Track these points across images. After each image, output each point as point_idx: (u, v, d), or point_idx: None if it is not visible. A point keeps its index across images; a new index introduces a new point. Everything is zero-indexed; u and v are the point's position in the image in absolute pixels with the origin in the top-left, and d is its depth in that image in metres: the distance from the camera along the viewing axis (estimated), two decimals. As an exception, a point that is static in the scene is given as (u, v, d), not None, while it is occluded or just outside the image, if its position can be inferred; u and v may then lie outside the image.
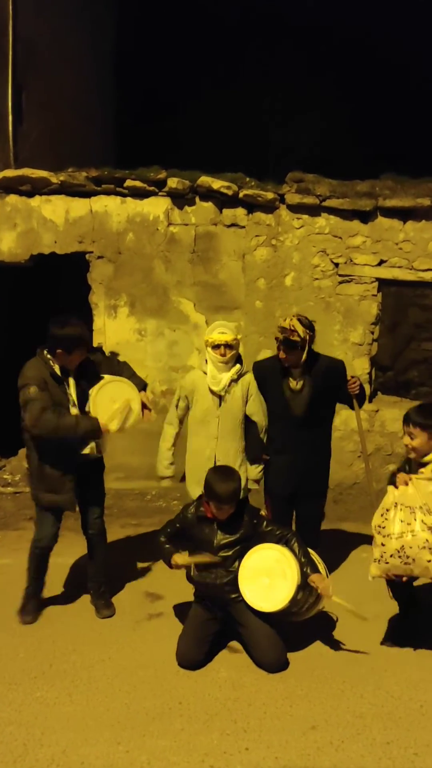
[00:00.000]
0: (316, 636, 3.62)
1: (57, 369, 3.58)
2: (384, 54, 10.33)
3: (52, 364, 3.57)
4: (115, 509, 5.90)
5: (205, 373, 3.90)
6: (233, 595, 3.39)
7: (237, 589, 3.36)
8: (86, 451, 3.68)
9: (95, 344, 6.19)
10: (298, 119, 10.59)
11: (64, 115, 8.97)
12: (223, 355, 3.81)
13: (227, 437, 3.91)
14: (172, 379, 6.18)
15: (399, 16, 10.60)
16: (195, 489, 3.94)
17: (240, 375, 3.90)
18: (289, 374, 3.89)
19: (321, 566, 3.50)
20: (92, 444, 3.69)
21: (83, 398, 3.68)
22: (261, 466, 4.04)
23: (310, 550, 3.57)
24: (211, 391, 3.87)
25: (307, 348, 3.77)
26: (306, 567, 3.31)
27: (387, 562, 3.23)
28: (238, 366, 3.91)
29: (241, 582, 3.35)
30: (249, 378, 3.95)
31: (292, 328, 3.70)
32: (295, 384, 3.88)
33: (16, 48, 7.76)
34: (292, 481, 3.98)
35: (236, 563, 3.41)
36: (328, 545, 4.50)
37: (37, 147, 8.05)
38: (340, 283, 6.07)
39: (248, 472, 4.02)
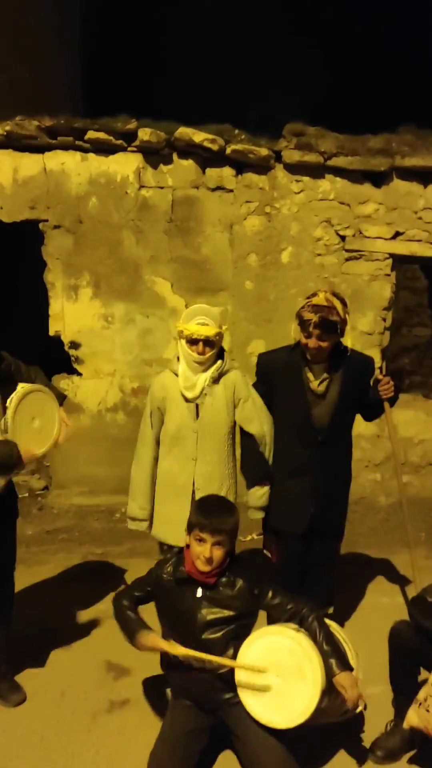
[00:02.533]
0: (341, 744, 2.64)
1: None
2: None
3: None
4: (76, 532, 4.90)
5: (176, 374, 2.91)
6: (227, 695, 2.39)
7: (233, 688, 2.36)
8: None
9: (51, 332, 5.14)
10: (281, 81, 9.33)
11: (25, 72, 7.91)
12: (201, 353, 2.82)
13: (208, 458, 2.90)
14: (145, 374, 5.14)
15: None
16: (164, 530, 2.96)
17: (221, 374, 2.90)
18: (308, 372, 2.90)
19: (349, 651, 2.51)
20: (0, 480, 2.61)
21: None
22: (265, 489, 3.03)
23: (329, 622, 2.58)
24: (185, 398, 2.88)
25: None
26: (331, 659, 2.31)
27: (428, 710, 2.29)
28: (218, 363, 2.90)
29: (240, 683, 2.35)
30: (234, 377, 2.93)
31: (330, 303, 2.72)
32: (316, 385, 2.89)
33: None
34: (308, 515, 2.98)
35: (231, 650, 2.40)
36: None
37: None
38: (347, 260, 5.07)
39: (249, 496, 3.04)
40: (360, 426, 4.18)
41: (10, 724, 2.72)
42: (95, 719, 2.77)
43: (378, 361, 5.18)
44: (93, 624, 3.51)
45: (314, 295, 2.79)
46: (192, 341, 2.81)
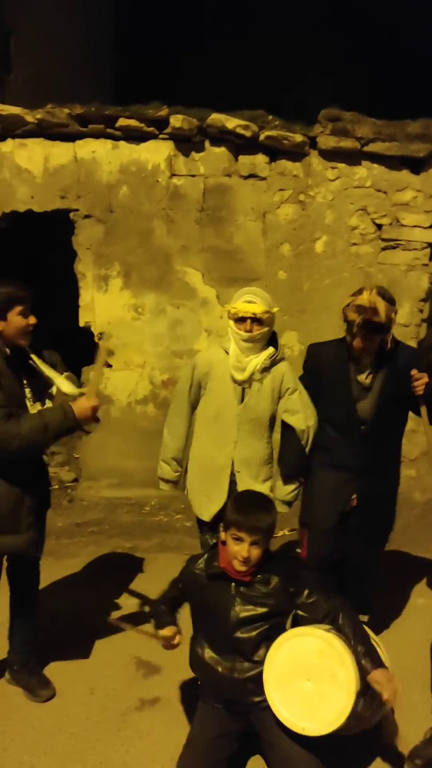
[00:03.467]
0: (377, 752, 2.55)
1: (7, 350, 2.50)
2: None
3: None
4: (106, 525, 4.86)
5: (227, 353, 2.86)
6: (257, 699, 2.31)
7: (263, 691, 2.28)
8: None
9: (81, 323, 5.09)
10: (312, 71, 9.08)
11: (58, 62, 7.90)
12: (249, 331, 2.77)
13: (249, 442, 2.89)
14: (175, 366, 5.07)
15: None
16: (202, 506, 2.98)
17: (273, 362, 2.85)
18: (356, 365, 2.81)
19: (381, 651, 2.41)
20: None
21: (39, 389, 2.62)
22: (295, 485, 2.98)
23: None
24: (233, 379, 2.84)
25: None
26: (364, 659, 2.20)
27: None
28: (271, 349, 2.86)
29: (268, 686, 2.26)
30: (284, 368, 2.90)
31: (374, 305, 2.62)
32: (364, 377, 2.80)
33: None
34: (338, 511, 2.90)
35: (262, 649, 2.32)
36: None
37: (23, 95, 6.98)
38: (384, 249, 4.92)
39: (277, 490, 2.99)
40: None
41: (40, 721, 2.68)
42: (125, 718, 2.72)
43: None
44: (122, 618, 3.45)
45: (359, 293, 2.70)
46: (239, 319, 2.78)
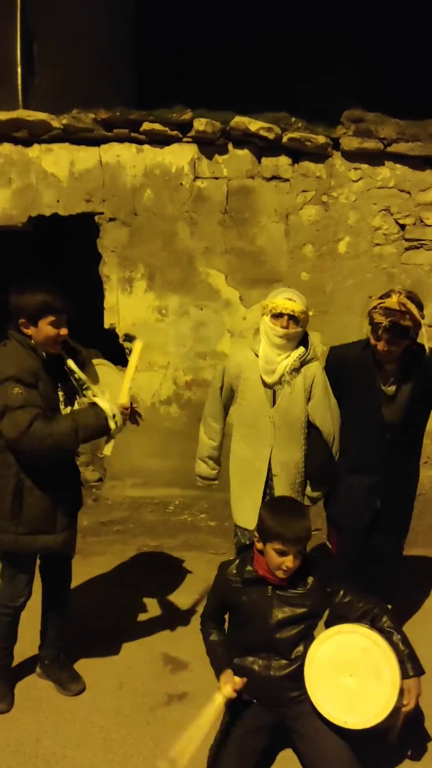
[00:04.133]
0: (408, 745, 2.57)
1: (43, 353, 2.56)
2: None
3: (33, 345, 2.54)
4: (131, 524, 4.91)
5: (257, 355, 2.86)
6: (294, 693, 2.34)
7: (301, 686, 2.31)
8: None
9: (106, 325, 5.15)
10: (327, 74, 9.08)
11: (81, 66, 7.99)
12: (285, 327, 2.76)
13: (286, 445, 2.88)
14: (198, 367, 5.12)
15: None
16: (242, 515, 2.97)
17: (303, 362, 2.84)
18: (380, 371, 2.81)
19: None
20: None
21: (72, 393, 2.67)
22: (323, 490, 3.01)
23: None
24: (263, 382, 2.84)
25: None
26: (408, 661, 2.23)
27: None
28: (302, 349, 2.85)
29: (310, 681, 2.29)
30: (315, 368, 2.88)
31: (404, 308, 2.58)
32: (387, 387, 2.80)
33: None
34: (371, 511, 2.92)
35: (300, 647, 2.35)
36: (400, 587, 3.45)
37: (47, 99, 7.08)
38: (407, 249, 4.93)
39: (306, 490, 3.01)
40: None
41: (71, 714, 2.74)
42: (153, 712, 2.76)
43: (438, 354, 5.03)
44: (149, 616, 3.51)
45: (387, 296, 2.65)
46: (277, 315, 2.77)
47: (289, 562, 2.29)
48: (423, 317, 2.68)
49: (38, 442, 2.43)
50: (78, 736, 2.62)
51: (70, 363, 2.63)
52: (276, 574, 2.33)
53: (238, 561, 2.48)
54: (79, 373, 2.63)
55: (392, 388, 2.79)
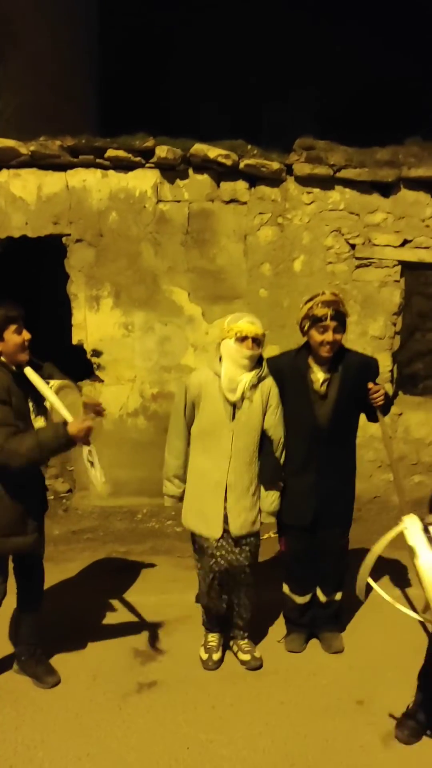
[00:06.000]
0: (354, 720, 2.82)
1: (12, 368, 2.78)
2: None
3: (3, 361, 2.76)
4: (100, 532, 5.11)
5: (217, 374, 3.07)
6: None
7: None
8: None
9: (75, 341, 5.37)
10: (294, 90, 9.55)
11: (45, 91, 8.22)
12: (250, 349, 2.99)
13: (242, 458, 3.08)
14: (164, 380, 5.36)
15: None
16: (199, 523, 3.13)
17: (260, 378, 3.09)
18: (311, 373, 3.11)
19: None
20: None
21: (40, 402, 2.90)
22: (276, 494, 3.22)
23: None
24: (225, 400, 3.05)
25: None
26: None
27: None
28: (258, 368, 3.09)
29: None
30: (270, 382, 3.12)
31: (338, 297, 2.98)
32: (319, 385, 3.09)
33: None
34: (312, 508, 3.18)
35: None
36: (350, 578, 3.69)
37: (13, 125, 7.28)
38: (358, 267, 5.25)
39: (262, 503, 3.19)
40: (373, 427, 4.36)
41: (47, 704, 2.93)
42: (125, 699, 2.97)
43: (389, 365, 5.37)
44: (119, 614, 3.71)
45: (317, 295, 3.00)
46: (242, 338, 2.97)
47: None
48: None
49: (11, 459, 2.63)
50: (54, 723, 2.81)
51: (28, 371, 2.80)
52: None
53: None
54: (42, 388, 2.80)
55: (324, 387, 3.08)
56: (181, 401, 3.17)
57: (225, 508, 3.07)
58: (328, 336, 2.98)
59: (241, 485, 3.07)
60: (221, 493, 3.07)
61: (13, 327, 2.74)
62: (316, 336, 3.02)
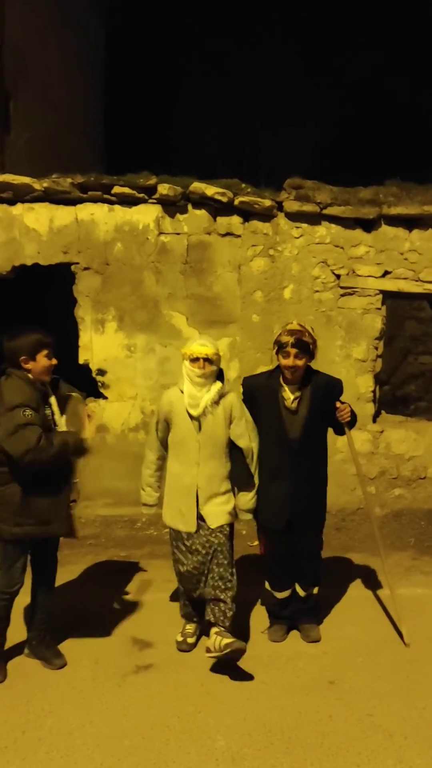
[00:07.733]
0: (325, 696, 3.21)
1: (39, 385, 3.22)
2: (386, 54, 9.98)
3: (31, 378, 3.18)
4: (102, 538, 5.49)
5: (182, 391, 3.49)
6: None
7: None
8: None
9: (81, 361, 5.81)
10: (292, 126, 10.21)
11: (53, 124, 8.73)
12: (202, 368, 3.40)
13: (209, 463, 3.50)
14: (164, 398, 5.78)
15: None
16: (175, 519, 3.55)
17: (222, 395, 3.49)
18: (282, 392, 3.52)
19: None
20: None
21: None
22: (251, 494, 3.62)
23: None
24: (189, 415, 3.46)
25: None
26: None
27: None
28: (219, 384, 3.49)
29: None
30: (232, 398, 3.53)
31: (302, 327, 3.41)
32: (290, 402, 3.51)
33: (3, 55, 7.52)
34: (286, 512, 3.58)
35: None
36: (330, 580, 4.17)
37: (24, 155, 7.75)
38: (342, 295, 5.72)
39: (238, 500, 3.62)
40: (356, 443, 4.77)
41: (55, 682, 3.31)
42: (124, 678, 3.35)
43: (371, 385, 5.80)
44: (120, 607, 4.11)
45: (287, 324, 3.46)
46: (194, 359, 3.40)
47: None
48: (316, 345, 3.46)
49: (43, 453, 3.06)
50: (61, 697, 3.19)
51: (52, 399, 3.29)
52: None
53: None
54: (54, 407, 3.29)
55: (294, 404, 3.49)
56: (155, 418, 3.64)
57: (197, 507, 3.48)
58: (290, 361, 3.40)
59: (210, 488, 3.48)
60: (193, 494, 3.48)
61: (45, 351, 3.19)
62: (282, 360, 3.46)
